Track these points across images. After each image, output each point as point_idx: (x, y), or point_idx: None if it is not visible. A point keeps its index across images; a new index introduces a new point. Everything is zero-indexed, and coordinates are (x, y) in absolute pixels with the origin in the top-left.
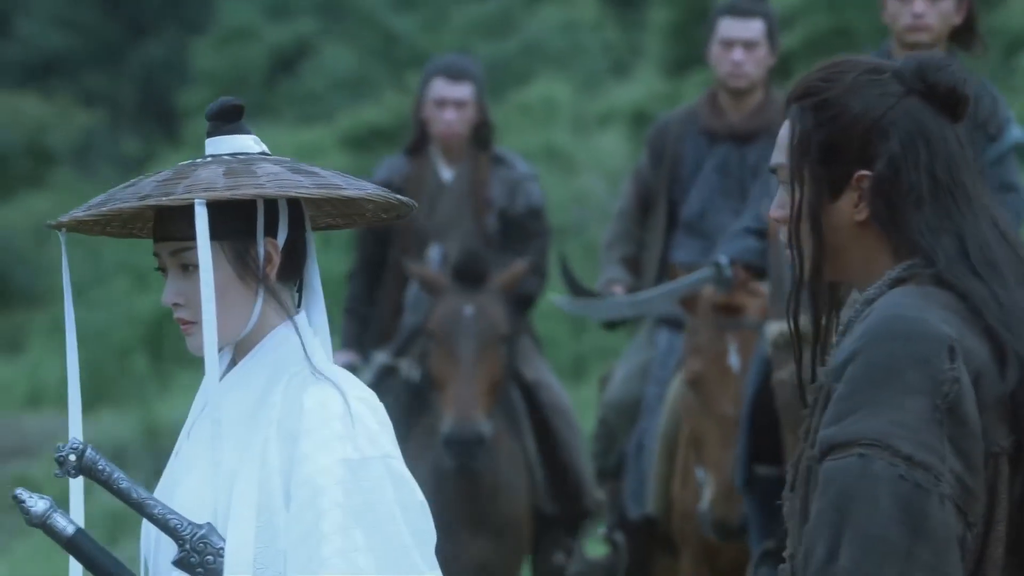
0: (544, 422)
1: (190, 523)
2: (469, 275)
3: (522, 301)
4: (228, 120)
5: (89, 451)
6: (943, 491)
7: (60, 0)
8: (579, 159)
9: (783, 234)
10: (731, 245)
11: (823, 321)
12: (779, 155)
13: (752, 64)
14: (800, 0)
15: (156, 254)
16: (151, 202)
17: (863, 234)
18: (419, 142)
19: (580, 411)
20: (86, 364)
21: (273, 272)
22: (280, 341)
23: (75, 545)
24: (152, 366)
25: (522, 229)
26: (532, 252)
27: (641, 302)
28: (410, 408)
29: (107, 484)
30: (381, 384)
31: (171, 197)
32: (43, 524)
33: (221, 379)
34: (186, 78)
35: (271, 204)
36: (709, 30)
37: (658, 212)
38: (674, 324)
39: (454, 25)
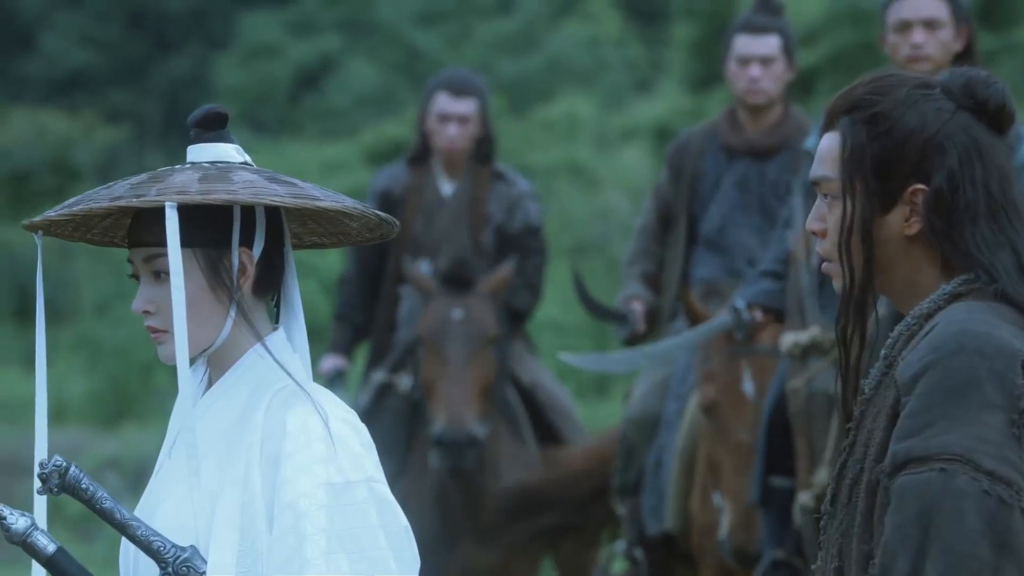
0: (545, 422)
1: (173, 545)
2: (457, 280)
3: (515, 316)
4: (211, 128)
5: (73, 469)
6: None
7: (84, 17)
8: (602, 175)
9: (820, 246)
10: (748, 289)
11: (867, 335)
12: (822, 168)
13: (769, 80)
14: (824, 16)
15: (130, 260)
16: (122, 203)
17: (911, 248)
18: (421, 153)
19: (604, 427)
20: (110, 380)
21: (248, 284)
22: (259, 358)
23: (55, 564)
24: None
25: (518, 246)
26: (527, 270)
27: (657, 352)
28: (411, 423)
29: (90, 503)
30: (380, 402)
31: (142, 199)
32: (23, 542)
33: (200, 397)
34: (210, 94)
35: (248, 214)
36: (725, 47)
37: (678, 228)
38: None
39: (477, 41)
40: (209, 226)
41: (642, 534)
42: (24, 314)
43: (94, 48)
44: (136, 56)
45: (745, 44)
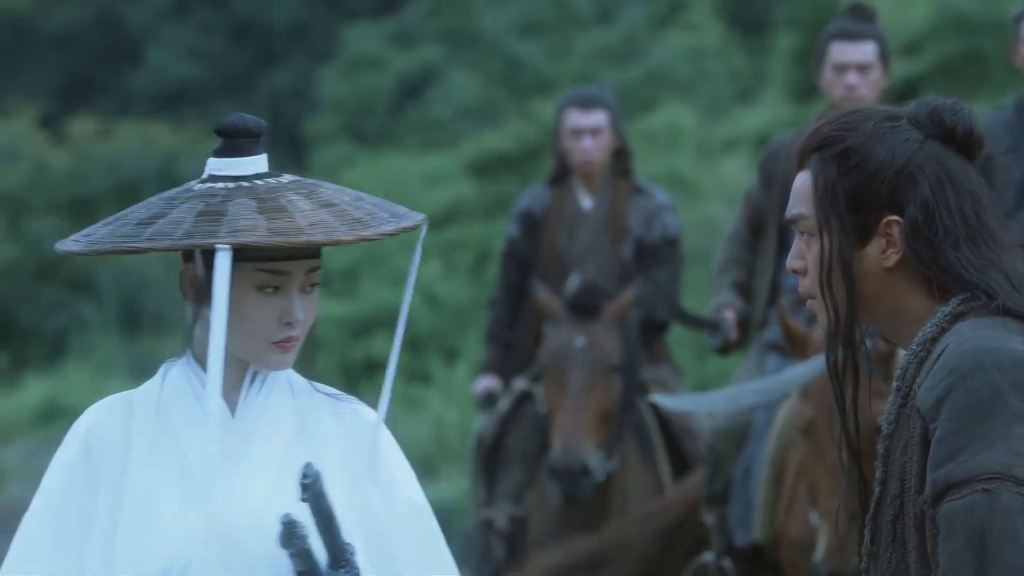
0: (678, 447)
1: (349, 543)
2: (582, 306)
3: (654, 328)
4: (248, 139)
5: (321, 476)
6: None
7: (190, 31)
8: (703, 185)
9: (802, 284)
10: None
11: (861, 368)
12: (798, 206)
13: (867, 87)
14: (929, 25)
15: (281, 272)
16: (196, 241)
17: (892, 279)
18: (560, 173)
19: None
20: None
21: None
22: None
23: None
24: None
25: (654, 256)
26: (664, 280)
27: (766, 389)
28: (545, 433)
29: (324, 515)
30: (518, 410)
31: (215, 240)
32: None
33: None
34: (313, 106)
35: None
36: (820, 55)
37: (769, 236)
38: (783, 349)
39: (579, 52)
40: None
41: (730, 544)
42: (129, 325)
43: (199, 61)
44: (240, 68)
45: (841, 51)
